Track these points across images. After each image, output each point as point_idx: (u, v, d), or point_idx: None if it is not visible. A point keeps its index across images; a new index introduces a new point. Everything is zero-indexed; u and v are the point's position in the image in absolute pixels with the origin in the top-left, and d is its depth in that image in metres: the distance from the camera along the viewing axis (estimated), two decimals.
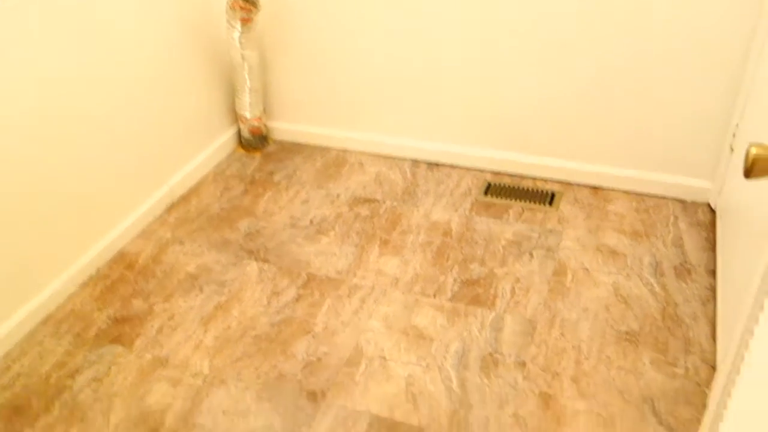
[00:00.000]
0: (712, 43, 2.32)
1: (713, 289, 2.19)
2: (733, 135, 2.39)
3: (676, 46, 2.37)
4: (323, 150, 3.07)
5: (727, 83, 2.37)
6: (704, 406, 1.82)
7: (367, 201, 2.71)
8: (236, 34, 2.78)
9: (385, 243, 2.48)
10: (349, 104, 2.96)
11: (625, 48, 2.43)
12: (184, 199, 2.78)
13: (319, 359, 2.02)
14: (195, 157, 2.89)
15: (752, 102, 2.25)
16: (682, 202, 2.61)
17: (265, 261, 2.42)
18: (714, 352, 1.97)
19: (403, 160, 2.97)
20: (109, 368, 2.02)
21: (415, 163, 2.95)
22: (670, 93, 2.46)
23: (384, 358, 2.02)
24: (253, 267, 2.39)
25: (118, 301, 2.27)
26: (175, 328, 2.15)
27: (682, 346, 2.00)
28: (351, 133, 3.03)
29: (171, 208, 2.73)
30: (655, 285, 2.23)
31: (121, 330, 2.16)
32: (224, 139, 3.04)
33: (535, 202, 2.64)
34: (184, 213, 2.69)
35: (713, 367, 1.92)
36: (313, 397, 1.90)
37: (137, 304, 2.25)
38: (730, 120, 2.42)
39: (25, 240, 2.12)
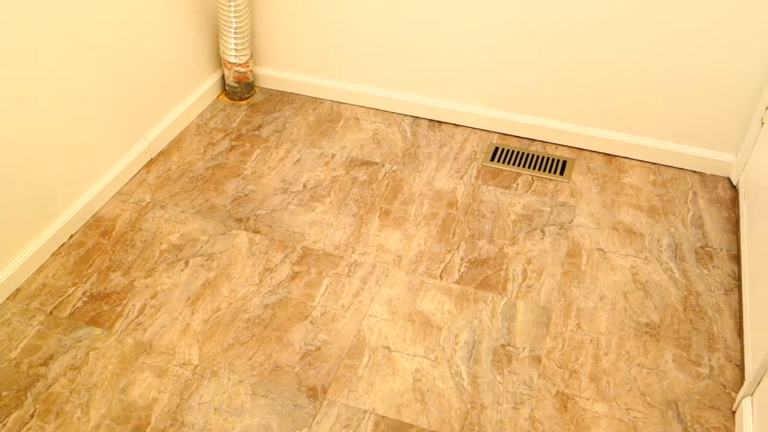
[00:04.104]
0: (748, 8, 2.11)
1: (737, 277, 2.06)
2: (766, 108, 2.21)
3: (707, 8, 2.15)
4: (315, 101, 2.83)
5: (763, 53, 2.18)
6: (731, 411, 1.71)
7: (365, 163, 2.50)
8: None
9: (385, 214, 2.29)
10: (346, 52, 2.70)
11: (649, 7, 2.21)
12: (165, 154, 2.54)
13: (318, 349, 1.86)
14: (175, 106, 2.63)
15: None
16: (700, 174, 2.46)
17: (256, 231, 2.22)
18: (739, 350, 1.86)
19: (403, 116, 2.75)
20: (87, 354, 1.84)
21: (416, 120, 2.73)
22: (697, 59, 2.26)
23: (389, 348, 1.87)
24: (242, 238, 2.20)
25: (94, 275, 2.07)
26: (158, 309, 1.97)
27: (706, 341, 1.88)
28: (346, 84, 2.78)
29: (150, 165, 2.49)
30: (675, 271, 2.09)
31: (99, 309, 1.96)
32: (207, 86, 2.78)
33: (545, 171, 2.46)
34: (164, 171, 2.46)
35: (739, 367, 1.82)
36: (313, 393, 1.76)
37: (116, 278, 2.06)
38: (763, 91, 2.24)
39: None
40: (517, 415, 1.71)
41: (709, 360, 1.84)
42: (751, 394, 1.65)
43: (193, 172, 2.46)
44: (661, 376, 1.80)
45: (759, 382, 1.62)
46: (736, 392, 1.75)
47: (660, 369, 1.81)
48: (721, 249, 2.16)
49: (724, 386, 1.77)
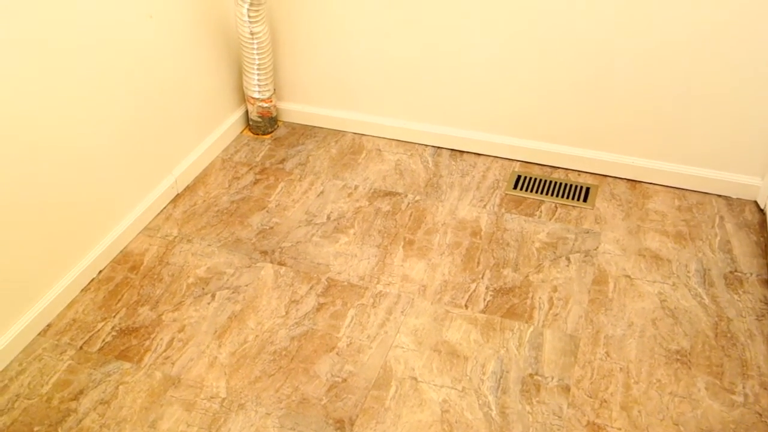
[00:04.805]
0: None
1: None
2: None
3: (731, 32, 2.16)
4: (337, 134, 2.86)
5: None
6: None
7: (388, 194, 2.52)
8: (245, 8, 2.55)
9: (409, 244, 2.30)
10: (367, 85, 2.74)
11: (671, 31, 2.22)
12: (190, 189, 2.58)
13: (344, 380, 1.86)
14: (201, 142, 2.68)
15: None
16: (726, 198, 2.44)
17: (281, 264, 2.24)
18: None
19: (425, 146, 2.77)
20: (117, 388, 1.86)
21: (437, 150, 2.75)
22: (721, 83, 2.25)
23: (415, 379, 1.86)
24: (268, 270, 2.21)
25: (123, 309, 2.09)
26: (186, 342, 1.99)
27: (739, 368, 1.85)
28: (368, 116, 2.82)
29: (176, 199, 2.53)
30: (705, 296, 2.06)
31: (127, 343, 1.99)
32: (231, 121, 2.83)
33: (568, 198, 2.46)
34: (190, 206, 2.50)
35: None
36: (341, 425, 1.75)
37: (144, 312, 2.08)
38: None
39: (19, 241, 1.93)
40: None
41: (743, 387, 1.80)
42: None
43: (218, 206, 2.49)
44: (694, 404, 1.77)
45: None
46: None
47: (693, 397, 1.78)
48: (751, 274, 2.13)
49: (760, 415, 1.74)
